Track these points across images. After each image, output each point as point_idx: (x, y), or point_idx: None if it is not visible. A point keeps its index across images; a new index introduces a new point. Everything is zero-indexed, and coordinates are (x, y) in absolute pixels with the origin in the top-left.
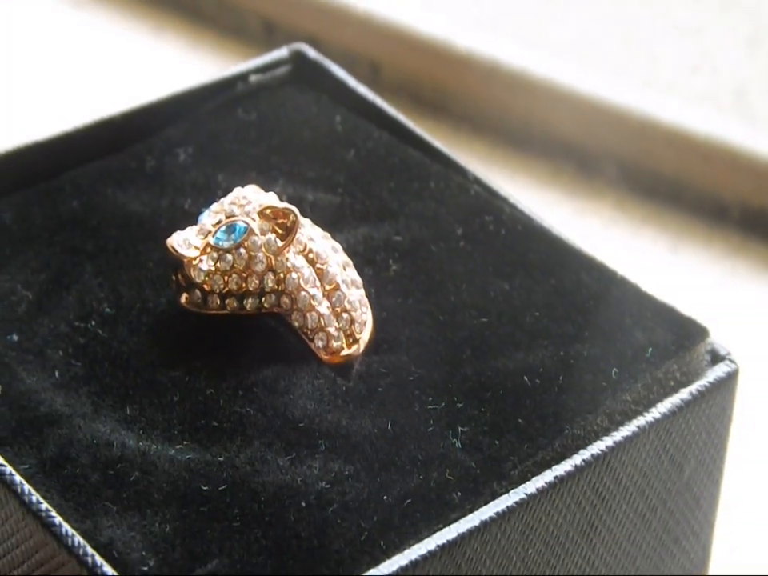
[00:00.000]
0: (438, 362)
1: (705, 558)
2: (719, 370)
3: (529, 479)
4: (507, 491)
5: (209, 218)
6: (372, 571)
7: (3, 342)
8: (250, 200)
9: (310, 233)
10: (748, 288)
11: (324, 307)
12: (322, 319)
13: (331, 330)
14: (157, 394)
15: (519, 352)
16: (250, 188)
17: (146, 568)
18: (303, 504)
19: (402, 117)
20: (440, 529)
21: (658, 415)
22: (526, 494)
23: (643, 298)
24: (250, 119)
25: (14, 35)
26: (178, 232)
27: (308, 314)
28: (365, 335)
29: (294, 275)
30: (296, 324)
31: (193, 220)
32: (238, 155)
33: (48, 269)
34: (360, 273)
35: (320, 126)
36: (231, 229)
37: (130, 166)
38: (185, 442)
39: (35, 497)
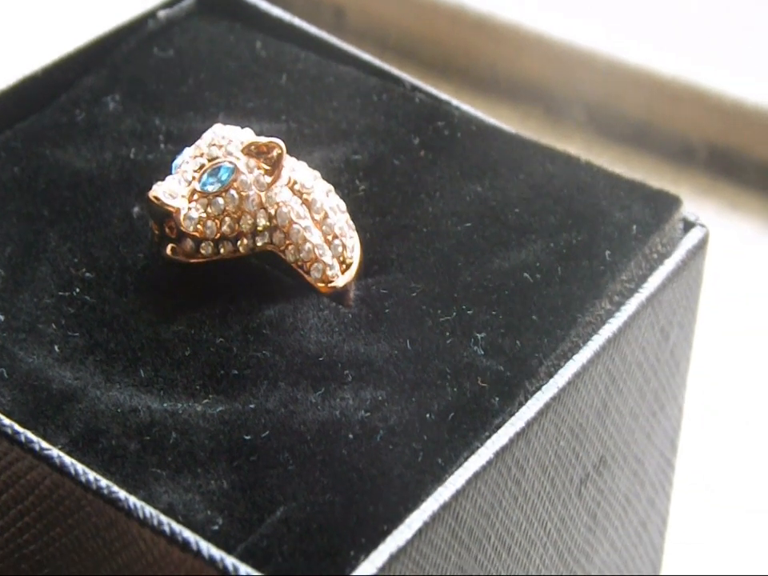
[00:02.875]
0: (435, 274)
1: (680, 417)
2: (694, 237)
3: (554, 373)
4: (539, 388)
5: (188, 163)
6: (440, 490)
7: None
8: (229, 138)
9: (291, 163)
10: (715, 228)
11: (317, 237)
12: (316, 249)
13: (326, 259)
14: (166, 351)
15: (511, 250)
16: (220, 127)
17: (216, 527)
18: (351, 436)
19: (324, 34)
20: (489, 436)
21: (652, 289)
22: (558, 388)
23: (612, 178)
24: (168, 57)
25: None
26: (159, 183)
27: (302, 246)
28: (355, 259)
29: (285, 209)
30: (290, 258)
31: (142, 169)
32: (168, 96)
33: (11, 241)
34: None
35: (242, 54)
36: (216, 171)
37: (61, 122)
38: (210, 396)
39: (91, 475)
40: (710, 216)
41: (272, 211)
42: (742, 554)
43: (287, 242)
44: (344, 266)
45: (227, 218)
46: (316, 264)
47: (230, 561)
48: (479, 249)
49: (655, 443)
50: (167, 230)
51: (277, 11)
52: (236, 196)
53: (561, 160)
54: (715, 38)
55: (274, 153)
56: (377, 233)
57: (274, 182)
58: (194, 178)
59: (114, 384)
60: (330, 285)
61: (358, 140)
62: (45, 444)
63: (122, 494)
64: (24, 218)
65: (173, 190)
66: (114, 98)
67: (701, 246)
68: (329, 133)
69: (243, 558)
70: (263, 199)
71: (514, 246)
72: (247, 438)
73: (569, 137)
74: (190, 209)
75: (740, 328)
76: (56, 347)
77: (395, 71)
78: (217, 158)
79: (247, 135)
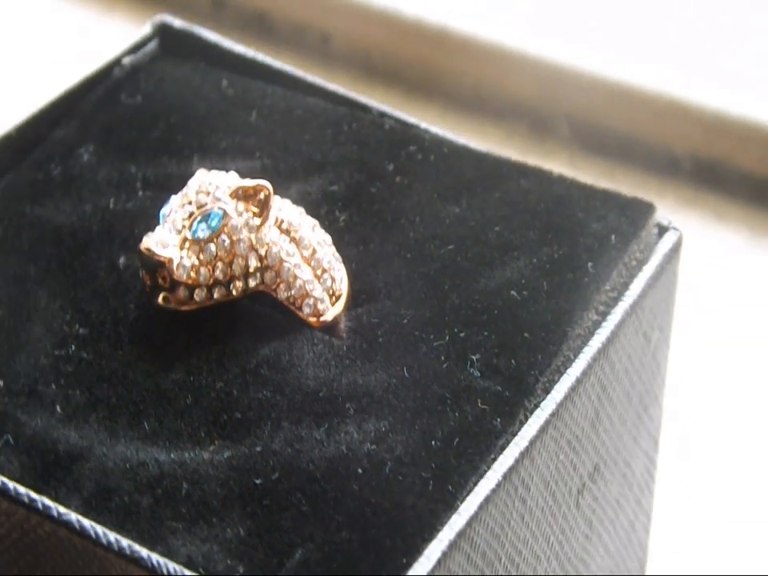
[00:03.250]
0: (424, 299)
1: (661, 417)
2: (669, 240)
3: (551, 389)
4: (538, 405)
5: (177, 212)
6: (454, 517)
7: None
8: (216, 184)
9: (278, 203)
10: (700, 239)
11: (307, 273)
12: (307, 285)
13: (317, 293)
14: (168, 401)
15: (495, 269)
16: (204, 173)
17: None
18: (359, 470)
19: (288, 67)
20: (494, 459)
21: (634, 296)
22: (556, 403)
23: (586, 189)
24: (136, 103)
25: None
26: (149, 234)
27: (293, 283)
28: (344, 290)
29: (275, 249)
30: (282, 296)
31: (122, 218)
32: (141, 142)
33: (1, 304)
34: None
35: (209, 94)
36: (206, 218)
37: (38, 178)
38: (216, 442)
39: (112, 536)
40: (696, 227)
41: (262, 252)
42: (721, 563)
43: (278, 280)
44: (333, 299)
45: (219, 263)
46: (307, 299)
47: None
48: (464, 270)
49: (641, 445)
50: (160, 279)
51: (239, 48)
52: (227, 241)
53: (534, 175)
54: (696, 52)
55: (262, 195)
56: (362, 262)
57: (263, 223)
58: (183, 226)
59: (120, 439)
60: (319, 318)
61: (334, 171)
62: (63, 509)
63: (144, 552)
64: (11, 279)
65: (164, 240)
66: (87, 149)
67: (676, 249)
68: (303, 166)
69: None
70: (254, 241)
71: (498, 265)
72: (257, 481)
73: (554, 153)
74: (182, 257)
75: (725, 338)
76: (58, 407)
77: (362, 99)
78: (205, 204)
79: (233, 179)
